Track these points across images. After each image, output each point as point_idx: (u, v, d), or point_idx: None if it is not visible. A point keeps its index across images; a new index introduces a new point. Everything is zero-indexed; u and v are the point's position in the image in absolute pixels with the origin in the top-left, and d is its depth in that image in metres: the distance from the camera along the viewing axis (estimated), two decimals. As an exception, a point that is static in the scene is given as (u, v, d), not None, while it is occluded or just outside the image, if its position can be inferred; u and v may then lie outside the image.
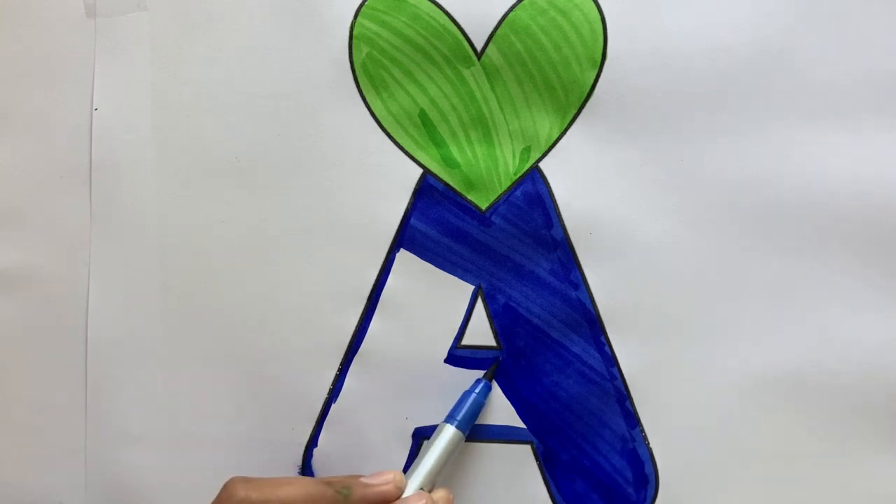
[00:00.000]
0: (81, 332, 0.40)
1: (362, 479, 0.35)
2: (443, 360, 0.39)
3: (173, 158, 0.40)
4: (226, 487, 0.34)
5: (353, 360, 0.40)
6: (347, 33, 0.39)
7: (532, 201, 0.39)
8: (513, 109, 0.39)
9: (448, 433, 0.37)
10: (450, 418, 0.37)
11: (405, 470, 0.39)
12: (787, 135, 0.38)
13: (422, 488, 0.36)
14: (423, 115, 0.39)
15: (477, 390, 0.38)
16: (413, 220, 0.39)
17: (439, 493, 0.36)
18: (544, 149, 0.39)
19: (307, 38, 0.39)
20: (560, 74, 0.38)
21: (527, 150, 0.39)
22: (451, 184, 0.39)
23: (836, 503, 0.38)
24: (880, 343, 0.38)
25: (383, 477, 0.35)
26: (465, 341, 0.39)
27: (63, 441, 0.40)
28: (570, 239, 0.39)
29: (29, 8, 0.40)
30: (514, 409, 0.39)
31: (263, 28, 0.39)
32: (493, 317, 0.39)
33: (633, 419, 0.39)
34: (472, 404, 0.38)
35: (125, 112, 0.40)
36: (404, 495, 0.35)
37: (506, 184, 0.39)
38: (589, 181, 0.39)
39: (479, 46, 0.39)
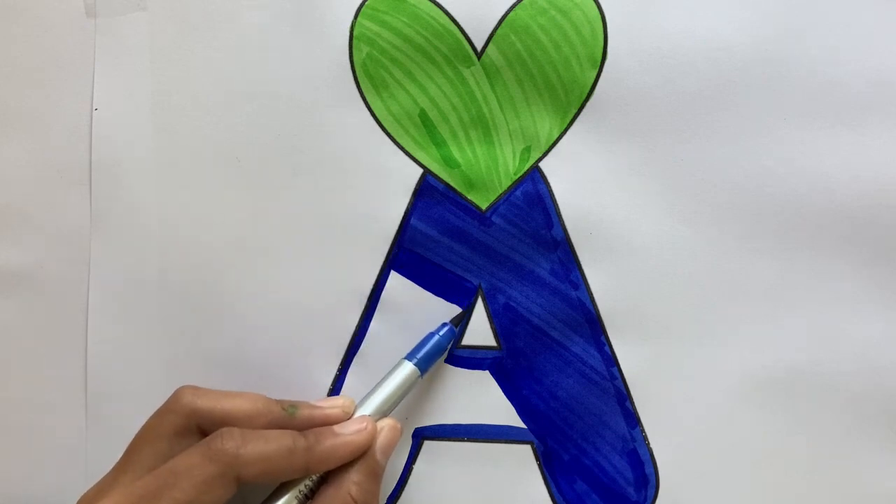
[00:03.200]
0: (81, 332, 0.40)
1: (312, 402, 0.35)
2: (443, 360, 0.39)
3: (173, 158, 0.40)
4: (175, 393, 0.34)
5: (353, 360, 0.40)
6: (347, 33, 0.39)
7: (532, 201, 0.39)
8: (513, 109, 0.39)
9: (406, 369, 0.37)
10: (410, 356, 0.37)
11: (405, 469, 0.39)
12: (787, 135, 0.38)
13: None
14: (423, 115, 0.39)
15: (441, 333, 0.38)
16: (413, 220, 0.39)
17: (385, 421, 0.35)
18: (544, 149, 0.39)
19: (307, 38, 0.39)
20: (560, 74, 0.38)
21: (527, 149, 0.39)
22: (452, 184, 0.39)
23: (835, 503, 0.38)
24: (880, 343, 0.38)
25: (332, 401, 0.36)
26: (465, 341, 0.39)
27: (63, 441, 0.40)
28: (570, 239, 0.39)
29: (29, 8, 0.40)
30: (514, 409, 0.39)
31: (263, 28, 0.39)
32: (493, 317, 0.39)
33: (633, 419, 0.39)
34: (433, 346, 0.38)
35: (125, 112, 0.40)
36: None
37: (506, 184, 0.39)
38: (589, 181, 0.39)
39: (479, 46, 0.39)
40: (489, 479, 0.39)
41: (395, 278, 0.39)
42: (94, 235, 0.40)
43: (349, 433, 0.34)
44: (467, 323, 0.39)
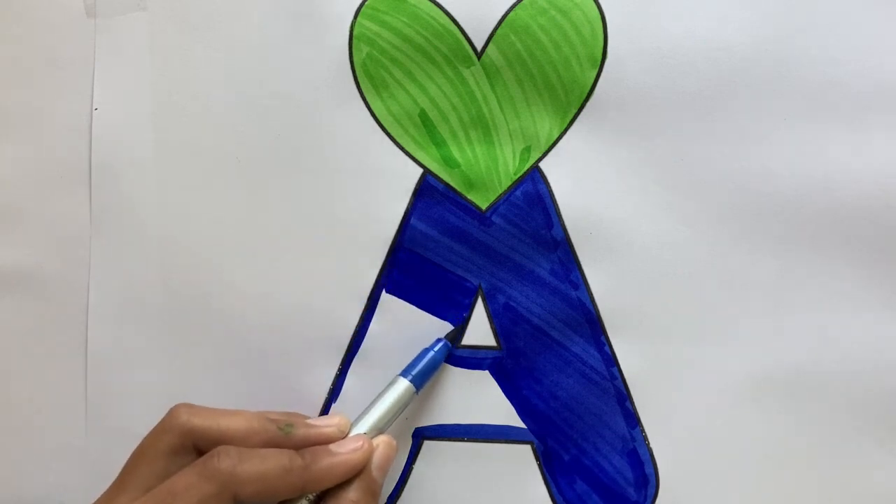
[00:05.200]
0: (81, 332, 0.40)
1: (307, 420, 0.35)
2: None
3: (173, 158, 0.40)
4: (170, 412, 0.34)
5: (353, 360, 0.40)
6: (347, 33, 0.39)
7: (532, 201, 0.39)
8: (513, 109, 0.39)
9: (401, 386, 0.37)
10: (405, 372, 0.37)
11: (405, 469, 0.39)
12: (787, 135, 0.38)
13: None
14: (423, 115, 0.39)
15: (436, 348, 0.38)
16: (413, 220, 0.39)
17: (380, 438, 0.35)
18: (544, 149, 0.39)
19: (307, 38, 0.39)
20: (560, 74, 0.38)
21: (527, 149, 0.39)
22: (452, 184, 0.39)
23: (836, 502, 0.38)
24: (880, 343, 0.38)
25: (328, 420, 0.35)
26: (465, 341, 0.39)
27: (63, 441, 0.40)
28: (570, 239, 0.39)
29: (29, 8, 0.40)
30: (514, 409, 0.39)
31: (263, 28, 0.39)
32: (493, 317, 0.39)
33: (633, 419, 0.39)
34: (428, 361, 0.37)
35: (125, 112, 0.40)
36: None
37: (506, 184, 0.39)
38: (589, 181, 0.39)
39: (479, 46, 0.39)
40: (489, 479, 0.39)
41: (395, 279, 0.39)
42: (94, 235, 0.40)
43: (345, 452, 0.34)
44: (464, 330, 0.39)
